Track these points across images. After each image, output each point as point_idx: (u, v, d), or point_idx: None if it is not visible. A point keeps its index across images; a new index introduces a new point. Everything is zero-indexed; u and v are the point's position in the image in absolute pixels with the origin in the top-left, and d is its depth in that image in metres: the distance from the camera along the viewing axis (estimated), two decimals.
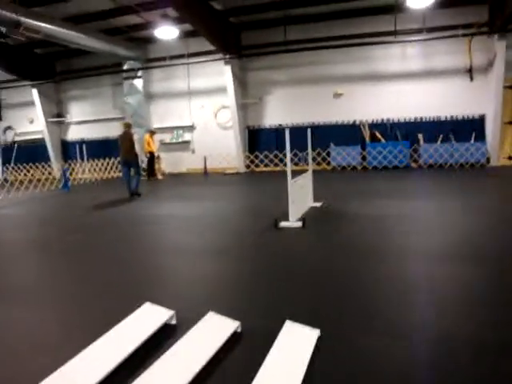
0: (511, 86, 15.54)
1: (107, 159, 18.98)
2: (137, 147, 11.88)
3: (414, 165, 16.52)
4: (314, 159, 9.47)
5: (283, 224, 7.12)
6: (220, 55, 16.99)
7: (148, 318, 3.44)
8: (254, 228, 7.31)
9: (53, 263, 5.91)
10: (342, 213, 8.15)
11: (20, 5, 12.87)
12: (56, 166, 20.77)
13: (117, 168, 18.85)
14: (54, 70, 21.12)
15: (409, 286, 4.26)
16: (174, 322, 3.54)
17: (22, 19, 12.55)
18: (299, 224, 7.03)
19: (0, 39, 16.98)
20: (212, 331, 3.22)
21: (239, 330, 3.34)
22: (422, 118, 16.67)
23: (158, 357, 2.89)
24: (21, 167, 20.83)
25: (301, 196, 8.01)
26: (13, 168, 21.44)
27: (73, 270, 5.50)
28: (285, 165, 17.34)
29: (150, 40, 18.37)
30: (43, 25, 13.42)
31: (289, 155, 7.17)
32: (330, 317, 3.63)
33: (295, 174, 7.21)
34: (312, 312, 3.72)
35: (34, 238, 7.69)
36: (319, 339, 3.14)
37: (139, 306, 3.66)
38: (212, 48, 16.75)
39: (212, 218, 8.70)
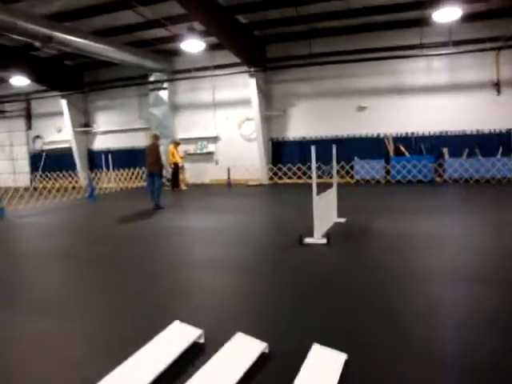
0: None
1: (132, 169, 19.29)
2: (163, 158, 11.99)
3: (438, 179, 16.33)
4: (337, 172, 9.50)
5: (308, 240, 7.13)
6: (245, 68, 17.15)
7: (177, 336, 3.50)
8: (278, 243, 7.34)
9: (80, 274, 6.04)
10: (367, 230, 8.11)
11: (53, 20, 13.31)
12: (82, 174, 21.21)
13: (141, 178, 19.13)
14: (81, 80, 21.65)
15: (437, 310, 4.23)
16: (202, 340, 3.60)
17: (55, 34, 12.94)
18: (324, 241, 7.03)
19: (32, 52, 17.56)
20: (240, 352, 3.26)
21: (267, 351, 3.38)
22: (447, 132, 16.50)
23: (188, 377, 2.95)
24: (48, 175, 21.33)
25: (325, 211, 8.01)
26: (40, 176, 21.98)
27: (101, 281, 5.62)
28: (308, 177, 17.49)
29: (176, 52, 18.68)
30: (74, 39, 13.79)
31: (314, 171, 7.19)
32: (358, 341, 3.63)
33: (319, 186, 7.19)
34: (339, 335, 3.73)
35: (62, 247, 7.87)
36: (346, 363, 3.16)
37: (168, 324, 3.74)
38: (237, 60, 16.93)
39: (236, 230, 8.78)
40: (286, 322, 4.06)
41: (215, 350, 3.34)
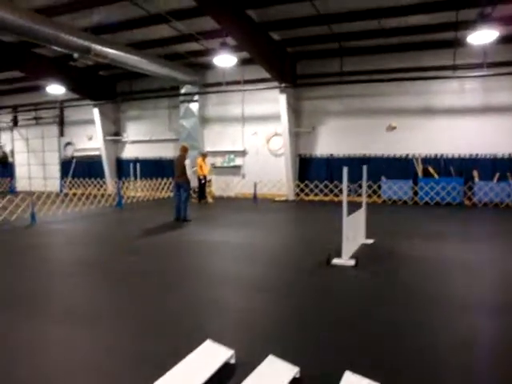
0: None
1: (159, 179, 19.56)
2: (188, 172, 11.86)
3: (467, 202, 16.06)
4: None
5: (335, 261, 7.09)
6: (275, 83, 17.29)
7: (209, 356, 3.53)
8: (305, 262, 7.32)
9: (110, 285, 6.12)
10: (395, 253, 8.02)
11: (92, 33, 13.72)
12: (110, 182, 21.61)
13: (168, 188, 19.37)
14: (114, 90, 22.17)
15: (473, 340, 4.16)
16: (233, 361, 3.62)
17: (93, 46, 13.34)
18: (352, 262, 6.98)
19: (69, 62, 18.09)
20: (273, 376, 3.27)
21: (298, 376, 3.37)
22: (477, 155, 16.25)
23: None
24: (78, 181, 21.79)
25: (354, 232, 7.97)
26: (70, 182, 22.48)
27: (129, 293, 5.68)
28: (335, 195, 17.43)
29: (208, 66, 18.95)
30: (111, 51, 14.19)
31: (345, 191, 7.18)
32: (390, 369, 3.59)
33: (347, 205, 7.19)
34: (372, 363, 3.69)
35: (92, 256, 8.01)
36: None
37: (198, 342, 3.77)
38: (267, 76, 17.08)
39: (262, 247, 8.79)
40: (317, 347, 4.04)
41: (246, 372, 3.35)
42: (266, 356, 3.55)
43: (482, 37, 12.77)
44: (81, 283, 6.27)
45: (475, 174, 16.01)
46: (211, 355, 3.54)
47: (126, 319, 4.76)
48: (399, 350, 3.95)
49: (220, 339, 3.83)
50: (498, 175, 15.75)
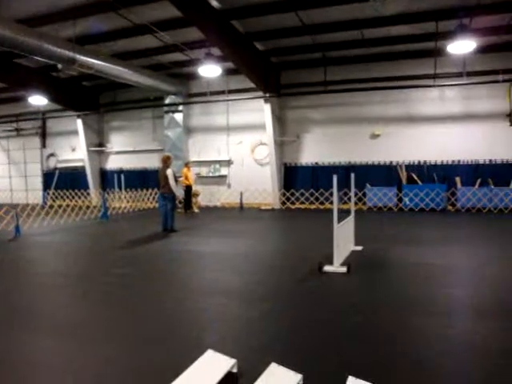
0: None
1: (144, 190, 19.45)
2: (171, 182, 11.62)
3: (450, 208, 16.34)
4: (350, 199, 9.57)
5: (327, 268, 7.14)
6: (260, 93, 17.41)
7: (211, 366, 3.52)
8: (297, 270, 7.34)
9: (101, 298, 6.05)
10: (385, 259, 8.13)
11: (76, 43, 13.65)
12: (95, 193, 21.40)
13: (154, 199, 19.27)
14: (98, 101, 22.07)
15: (460, 345, 4.24)
16: (235, 370, 3.62)
17: (77, 56, 13.29)
18: (344, 269, 7.04)
19: (52, 73, 17.95)
20: (276, 383, 3.28)
21: (302, 383, 3.39)
22: (459, 161, 16.59)
23: None
24: (61, 193, 21.53)
25: (344, 239, 8.05)
26: (53, 194, 22.21)
27: (121, 306, 5.63)
28: (320, 203, 17.57)
29: (193, 76, 19.00)
30: (95, 61, 14.16)
31: (336, 199, 7.25)
32: (390, 376, 3.64)
33: (332, 212, 7.27)
34: (371, 368, 3.73)
35: (81, 268, 7.92)
36: None
37: (198, 352, 3.76)
38: (252, 85, 17.20)
39: (252, 256, 8.80)
40: (318, 353, 4.06)
41: (250, 381, 3.36)
42: (268, 364, 3.56)
43: (461, 47, 13.16)
44: (69, 296, 6.19)
45: (457, 180, 16.32)
46: (213, 365, 3.54)
47: (120, 332, 4.71)
48: (395, 355, 4.01)
49: (220, 349, 3.83)
50: (479, 181, 16.09)
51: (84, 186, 21.91)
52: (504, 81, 15.16)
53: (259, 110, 18.03)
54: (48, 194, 22.68)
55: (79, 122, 21.33)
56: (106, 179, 22.32)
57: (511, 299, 5.65)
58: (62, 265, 8.38)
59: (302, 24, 13.67)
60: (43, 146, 24.04)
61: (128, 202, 19.16)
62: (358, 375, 3.38)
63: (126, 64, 16.09)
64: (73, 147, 23.08)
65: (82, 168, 22.26)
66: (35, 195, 23.77)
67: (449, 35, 13.18)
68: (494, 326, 4.68)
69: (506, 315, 5.02)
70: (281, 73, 18.41)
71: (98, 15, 12.90)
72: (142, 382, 3.58)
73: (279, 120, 18.48)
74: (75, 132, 21.82)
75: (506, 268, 7.40)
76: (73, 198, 20.77)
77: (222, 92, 19.02)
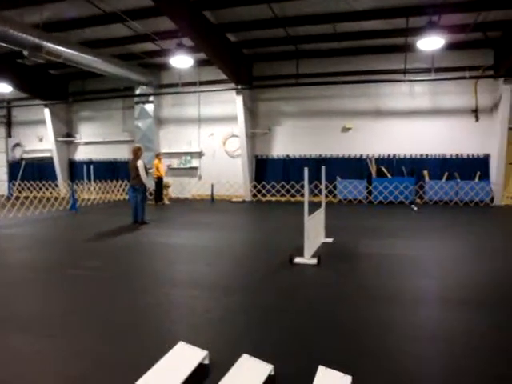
0: None
1: (114, 181, 19.17)
2: (141, 173, 11.49)
3: (419, 201, 16.71)
4: (320, 192, 9.69)
5: (298, 260, 7.21)
6: (232, 85, 17.33)
7: (183, 358, 3.53)
8: (268, 262, 7.39)
9: (70, 291, 5.95)
10: (354, 250, 8.28)
11: (43, 30, 13.26)
12: (63, 185, 20.95)
13: (124, 190, 19.02)
14: (66, 90, 21.53)
15: (425, 331, 4.38)
16: (206, 361, 3.63)
17: (45, 43, 12.90)
18: (314, 261, 7.13)
19: (17, 60, 17.40)
20: (248, 374, 3.31)
21: (273, 373, 3.43)
22: (427, 155, 16.96)
23: None
24: (28, 184, 20.98)
25: (314, 231, 8.14)
26: (19, 185, 21.62)
27: (92, 298, 5.56)
28: (291, 195, 17.70)
29: (164, 66, 18.77)
30: (64, 49, 13.76)
31: (307, 191, 7.31)
32: (359, 362, 3.72)
33: (303, 204, 7.35)
34: (341, 357, 3.80)
35: (49, 261, 7.76)
36: None
37: (169, 344, 3.76)
38: (224, 77, 17.11)
39: (223, 248, 8.82)
40: (288, 344, 4.12)
41: (221, 372, 3.37)
42: (240, 355, 3.59)
43: (430, 43, 13.44)
44: (39, 290, 6.07)
45: (425, 173, 16.69)
46: (185, 357, 3.54)
47: (91, 324, 4.65)
48: (365, 343, 4.10)
49: (191, 341, 3.84)
50: (446, 174, 16.51)
51: (52, 177, 21.38)
52: (471, 77, 15.53)
53: (231, 102, 17.96)
54: (14, 185, 22.07)
55: (47, 112, 20.77)
56: (75, 170, 21.83)
57: (474, 288, 5.85)
58: (29, 258, 8.19)
59: (274, 16, 13.64)
60: (8, 135, 23.32)
61: (97, 193, 18.86)
62: (328, 365, 3.45)
63: (96, 53, 15.70)
64: (40, 137, 22.48)
65: (50, 159, 21.71)
66: (0, 186, 23.09)
67: (418, 31, 13.44)
68: (458, 315, 4.84)
69: (468, 304, 5.19)
70: (253, 65, 18.36)
71: (66, 1, 12.55)
72: (113, 375, 3.55)
73: (251, 112, 18.46)
74: (42, 121, 21.23)
75: (469, 258, 7.65)
76: (40, 189, 20.26)
77: (194, 83, 18.87)
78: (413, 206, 14.50)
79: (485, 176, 16.32)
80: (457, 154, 16.65)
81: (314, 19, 13.87)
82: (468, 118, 16.52)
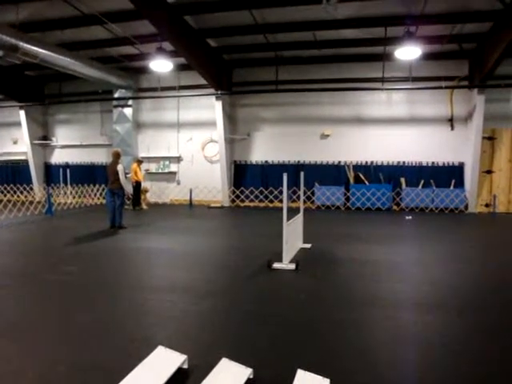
0: (489, 137, 16.26)
1: (91, 185, 18.91)
2: (121, 177, 11.42)
3: (395, 208, 16.94)
4: (298, 198, 9.77)
5: (276, 265, 7.23)
6: (211, 90, 17.32)
7: (162, 362, 3.49)
8: (247, 267, 7.38)
9: (46, 297, 5.83)
10: (332, 256, 8.33)
11: (20, 30, 13.03)
12: (38, 188, 20.56)
13: (101, 194, 18.78)
14: (42, 92, 21.14)
15: (400, 336, 4.43)
16: (185, 366, 3.61)
17: (21, 44, 12.66)
18: (292, 266, 7.16)
19: None
20: (227, 378, 3.30)
21: (252, 377, 3.43)
22: (404, 163, 17.23)
23: None
24: (1, 187, 20.52)
25: (293, 237, 8.17)
26: None
27: (68, 304, 5.47)
28: (270, 201, 17.75)
29: (143, 70, 18.66)
30: (41, 50, 13.54)
31: (285, 197, 7.35)
32: (336, 366, 3.74)
33: (281, 210, 7.38)
34: (319, 360, 3.82)
35: (25, 266, 7.59)
36: None
37: (148, 349, 3.72)
38: (204, 82, 17.09)
39: (202, 253, 8.78)
40: (267, 348, 4.12)
41: (200, 376, 3.35)
42: (219, 359, 3.58)
43: (408, 53, 13.78)
44: (13, 296, 5.93)
45: (402, 180, 16.95)
46: (164, 361, 3.51)
47: (68, 331, 4.57)
48: (342, 347, 4.13)
49: (170, 345, 3.81)
50: (422, 182, 16.80)
51: (27, 180, 20.96)
52: (446, 87, 15.86)
53: (210, 107, 17.95)
54: None
55: (22, 114, 20.37)
56: (51, 174, 21.41)
57: (449, 294, 5.96)
58: (4, 263, 8.00)
59: (255, 23, 13.72)
60: None
61: (74, 197, 18.57)
62: (307, 368, 3.47)
63: (74, 55, 15.51)
64: (14, 140, 22.01)
65: (25, 162, 21.29)
66: None
67: (396, 41, 13.73)
68: (434, 319, 4.91)
69: (443, 308, 5.28)
70: (233, 70, 18.39)
71: (44, 1, 12.36)
72: (91, 381, 3.49)
73: (230, 118, 18.47)
74: (17, 124, 20.79)
75: (446, 264, 7.78)
76: (15, 192, 19.84)
77: (173, 88, 18.81)
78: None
79: (459, 184, 16.66)
80: (433, 162, 16.96)
81: (294, 26, 14.00)
82: (444, 127, 16.86)
